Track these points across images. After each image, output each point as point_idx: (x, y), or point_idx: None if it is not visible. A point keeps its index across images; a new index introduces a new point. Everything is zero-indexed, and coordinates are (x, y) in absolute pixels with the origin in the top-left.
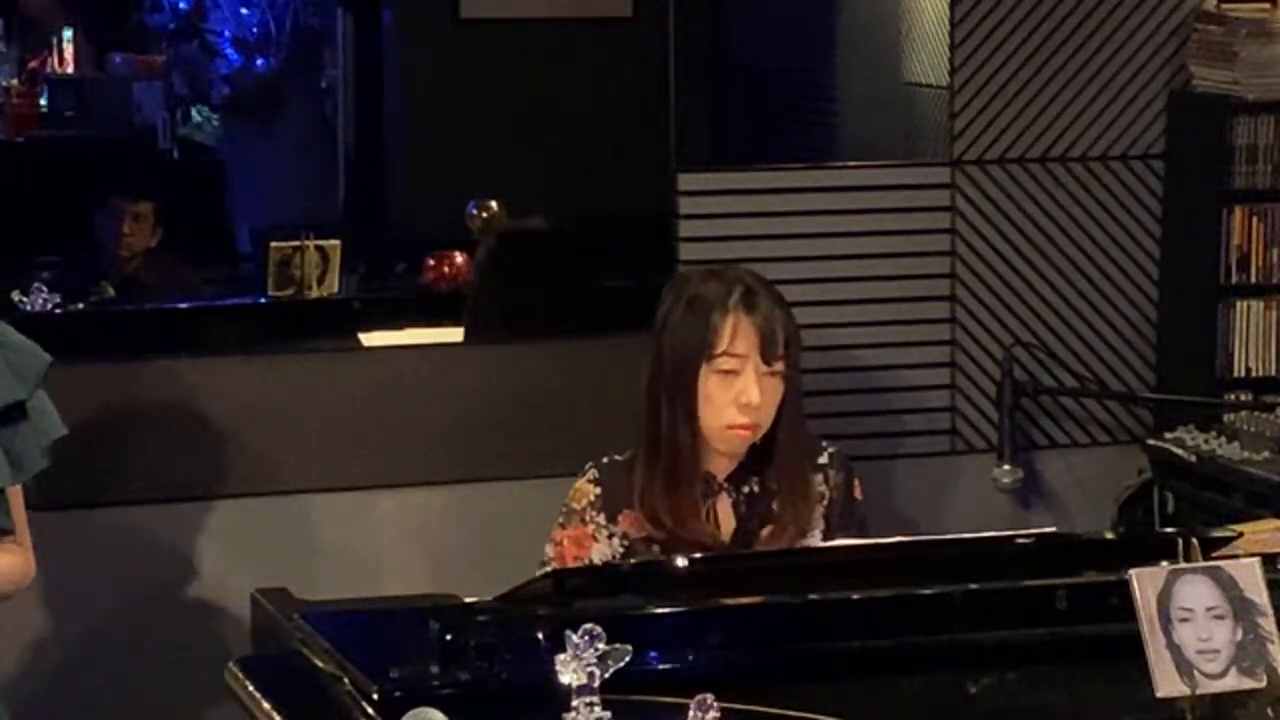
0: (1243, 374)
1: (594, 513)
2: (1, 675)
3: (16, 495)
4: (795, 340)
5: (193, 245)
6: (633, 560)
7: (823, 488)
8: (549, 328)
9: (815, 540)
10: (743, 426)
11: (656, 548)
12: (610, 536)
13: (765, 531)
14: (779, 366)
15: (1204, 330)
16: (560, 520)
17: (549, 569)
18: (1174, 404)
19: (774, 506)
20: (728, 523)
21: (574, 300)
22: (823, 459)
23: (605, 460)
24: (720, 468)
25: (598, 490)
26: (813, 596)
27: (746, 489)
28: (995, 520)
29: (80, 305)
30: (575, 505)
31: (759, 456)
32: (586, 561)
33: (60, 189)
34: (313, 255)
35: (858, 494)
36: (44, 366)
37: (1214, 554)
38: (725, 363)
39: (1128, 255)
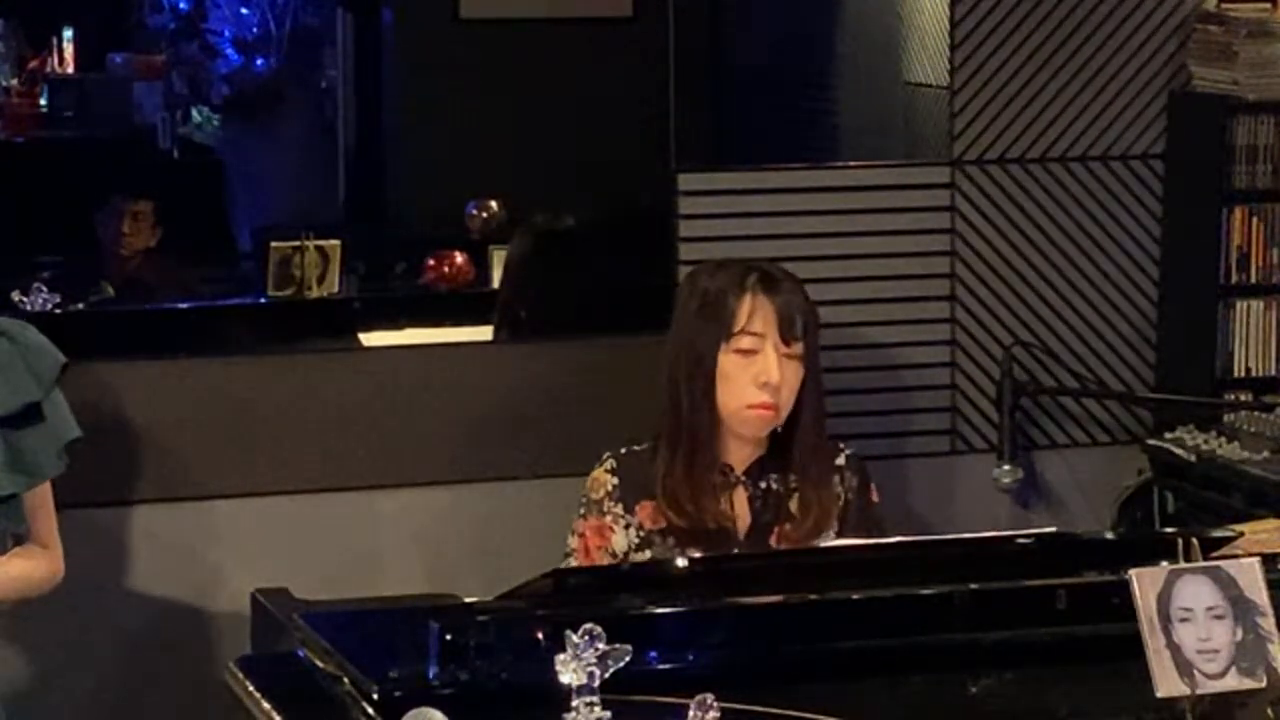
0: (1243, 374)
1: (611, 503)
2: (1, 675)
3: (39, 497)
4: (814, 325)
5: (193, 245)
6: (637, 558)
7: (838, 489)
8: (551, 328)
9: (828, 542)
10: (763, 406)
11: (671, 540)
12: (627, 527)
13: (781, 528)
14: (797, 349)
15: (1204, 330)
16: (581, 511)
17: (572, 560)
18: (1174, 404)
19: (791, 505)
20: (743, 517)
21: (580, 300)
22: (839, 460)
23: (623, 450)
24: (739, 459)
25: (615, 480)
26: (813, 596)
27: (764, 484)
28: (995, 520)
29: (80, 305)
30: (594, 495)
31: (778, 453)
32: (609, 550)
33: (60, 189)
34: (313, 255)
35: (874, 496)
36: (59, 367)
37: (1214, 554)
38: (744, 341)
39: (1128, 255)
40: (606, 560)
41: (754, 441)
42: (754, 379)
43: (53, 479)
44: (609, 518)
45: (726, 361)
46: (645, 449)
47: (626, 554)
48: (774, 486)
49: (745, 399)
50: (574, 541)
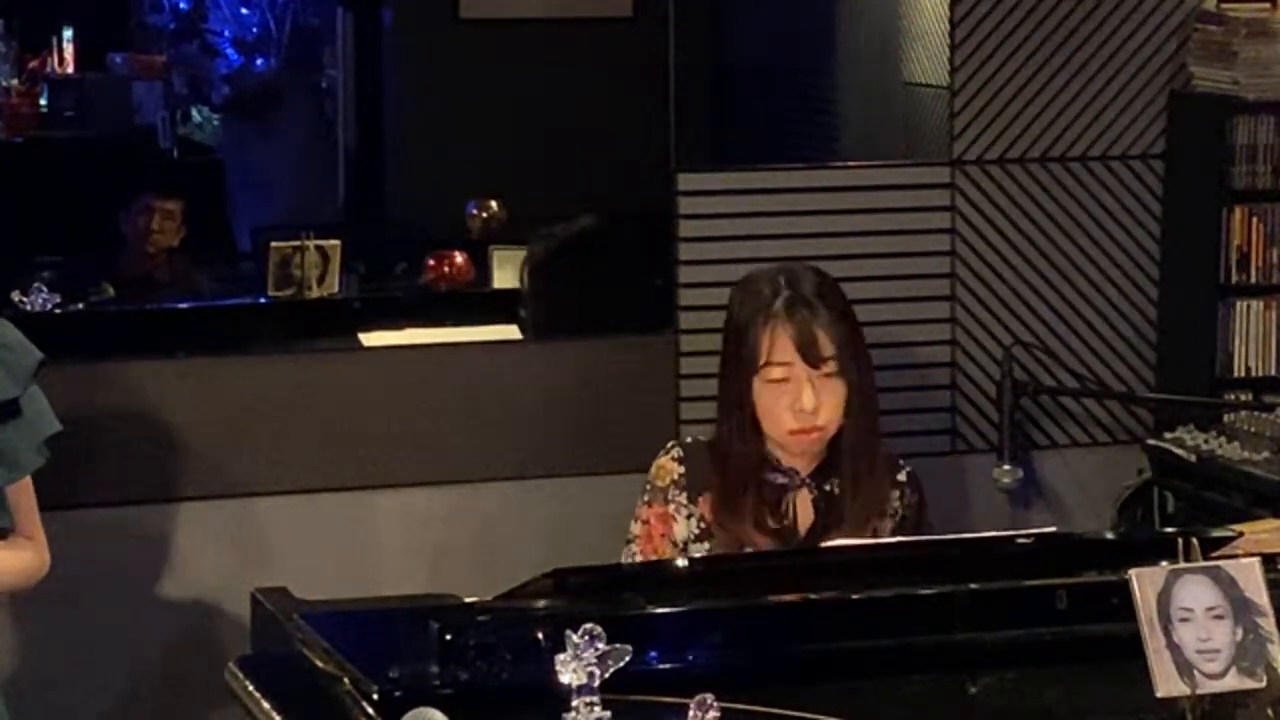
0: (1243, 374)
1: (676, 491)
2: (1, 675)
3: (21, 490)
4: (848, 337)
5: (193, 245)
6: (697, 549)
7: (897, 504)
8: (551, 328)
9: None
10: (803, 431)
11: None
12: (689, 517)
13: (837, 532)
14: (830, 367)
15: (1204, 330)
16: (645, 498)
17: (634, 546)
18: (1174, 404)
19: (848, 509)
20: (806, 517)
21: (580, 300)
22: (901, 476)
23: (689, 440)
24: (803, 464)
25: (681, 469)
26: (813, 596)
27: (828, 487)
28: (995, 520)
29: (80, 305)
30: (659, 482)
31: (837, 457)
32: (671, 539)
33: (60, 189)
34: (313, 255)
35: (928, 516)
36: (36, 363)
37: (1214, 554)
38: (773, 372)
39: (1128, 255)
40: (669, 548)
41: (807, 455)
42: (790, 406)
43: (36, 474)
44: (672, 506)
45: (762, 393)
46: (709, 439)
47: (686, 544)
48: (836, 491)
49: (785, 426)
50: (636, 528)
